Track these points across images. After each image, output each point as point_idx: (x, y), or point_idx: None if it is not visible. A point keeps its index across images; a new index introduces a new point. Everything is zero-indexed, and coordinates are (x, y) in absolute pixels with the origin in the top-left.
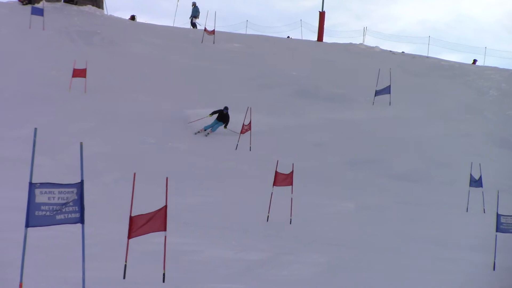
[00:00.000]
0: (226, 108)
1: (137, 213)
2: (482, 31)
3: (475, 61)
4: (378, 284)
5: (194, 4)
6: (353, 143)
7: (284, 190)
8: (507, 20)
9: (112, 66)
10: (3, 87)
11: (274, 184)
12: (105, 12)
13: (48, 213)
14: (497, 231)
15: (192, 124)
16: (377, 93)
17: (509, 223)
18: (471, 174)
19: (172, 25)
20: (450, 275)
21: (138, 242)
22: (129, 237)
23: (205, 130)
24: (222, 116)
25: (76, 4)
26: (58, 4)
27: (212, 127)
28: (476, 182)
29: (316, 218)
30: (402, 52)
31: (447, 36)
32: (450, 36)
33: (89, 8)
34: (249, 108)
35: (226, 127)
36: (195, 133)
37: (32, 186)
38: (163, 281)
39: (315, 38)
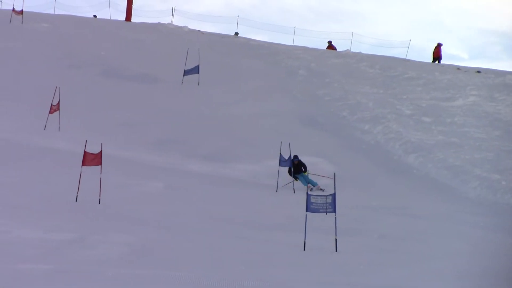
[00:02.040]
0: (295, 157)
1: None
2: (287, 12)
3: (236, 33)
4: (186, 263)
5: None
6: (161, 123)
7: (93, 169)
8: (313, 2)
9: None
10: None
11: (83, 164)
12: None
13: None
14: (307, 211)
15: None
16: (186, 72)
17: (318, 203)
18: (280, 154)
19: None
20: (259, 254)
21: None
22: None
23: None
24: (296, 168)
25: None
26: None
27: (306, 182)
28: (285, 162)
29: (124, 198)
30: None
31: (253, 17)
32: (255, 17)
33: None
34: (57, 88)
35: (305, 172)
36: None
37: None
38: None
39: (124, 18)
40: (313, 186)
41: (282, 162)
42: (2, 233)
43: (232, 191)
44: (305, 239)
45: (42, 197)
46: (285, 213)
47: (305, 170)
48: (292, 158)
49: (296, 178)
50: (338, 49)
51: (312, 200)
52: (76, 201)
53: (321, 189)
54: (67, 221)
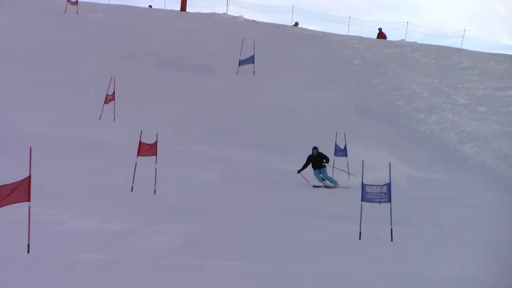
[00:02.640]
0: (314, 148)
1: (0, 183)
2: (340, 2)
3: (296, 23)
4: (242, 253)
5: None
6: (216, 113)
7: (148, 160)
8: None
9: None
10: None
11: (138, 154)
12: None
13: None
14: (362, 200)
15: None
16: (241, 63)
17: (373, 193)
18: (336, 144)
19: None
20: (315, 244)
21: (2, 212)
22: None
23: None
24: (316, 161)
25: None
26: None
27: (321, 178)
28: (341, 152)
29: (180, 188)
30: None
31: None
32: (309, 7)
33: None
34: (112, 78)
35: (327, 163)
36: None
37: None
38: (28, 251)
39: (178, 8)
40: (332, 184)
41: (337, 151)
42: (59, 223)
43: (287, 181)
44: (360, 228)
45: (98, 188)
46: (340, 202)
47: (327, 161)
48: (312, 150)
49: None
50: (392, 39)
51: (368, 189)
52: (131, 191)
53: (337, 186)
54: (123, 212)
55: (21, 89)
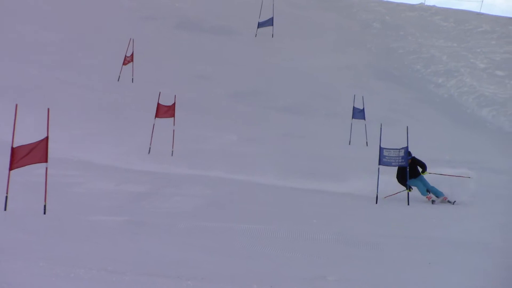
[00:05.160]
0: (408, 154)
1: (18, 144)
2: None
3: None
4: (260, 217)
5: None
6: (236, 75)
7: (166, 122)
8: None
9: None
10: None
11: (156, 115)
12: None
13: None
14: (379, 164)
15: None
16: (260, 25)
17: (391, 156)
18: (354, 106)
19: None
20: (334, 207)
21: (20, 173)
22: (11, 168)
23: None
24: (411, 168)
25: None
26: None
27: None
28: (359, 113)
29: (198, 150)
30: None
31: None
32: None
33: None
34: (131, 40)
35: (424, 172)
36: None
37: None
38: (44, 212)
39: None
40: (437, 197)
41: (356, 113)
42: (77, 184)
43: (307, 143)
44: (377, 192)
45: (116, 149)
46: (358, 165)
47: (424, 170)
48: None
49: (409, 188)
50: (412, 3)
51: (385, 153)
52: (149, 153)
53: (449, 201)
54: (140, 173)
55: (42, 50)
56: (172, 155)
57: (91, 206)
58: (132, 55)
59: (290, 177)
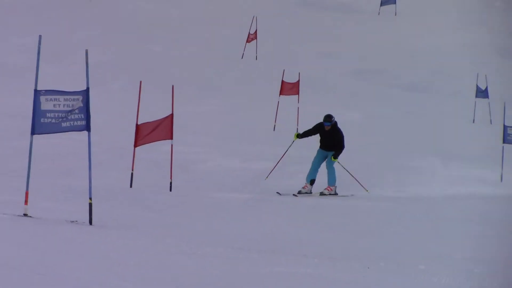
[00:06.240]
0: (327, 117)
1: (143, 121)
2: None
3: None
4: (386, 194)
5: None
6: (358, 53)
7: (291, 99)
8: None
9: None
10: None
11: (281, 93)
12: None
13: (53, 121)
14: (504, 142)
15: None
16: (383, 3)
17: None
18: (477, 85)
19: None
20: (457, 186)
21: (145, 150)
22: (136, 145)
23: (311, 182)
24: (327, 138)
25: None
26: None
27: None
28: (482, 93)
29: None
30: None
31: None
32: None
33: None
34: (254, 17)
35: (336, 158)
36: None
37: (37, 93)
38: (170, 190)
39: None
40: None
41: (478, 93)
42: (202, 161)
43: (430, 122)
44: (502, 171)
45: (240, 126)
46: (481, 144)
47: (335, 156)
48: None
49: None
50: None
51: (509, 131)
52: (274, 130)
53: (322, 193)
54: (265, 151)
55: (165, 27)
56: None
57: (216, 183)
58: (255, 32)
59: (415, 154)
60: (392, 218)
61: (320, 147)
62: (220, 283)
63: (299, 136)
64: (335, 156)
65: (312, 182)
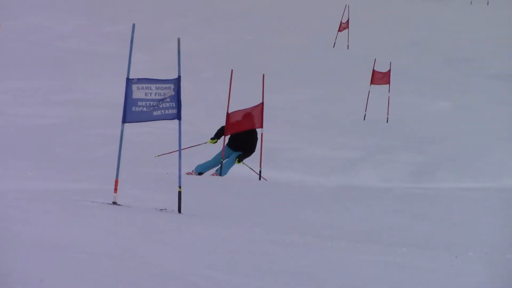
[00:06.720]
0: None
1: (233, 109)
2: None
3: None
4: (475, 182)
5: None
6: (450, 42)
7: (381, 88)
8: None
9: None
10: None
11: (371, 82)
12: None
13: (145, 109)
14: None
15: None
16: None
17: None
18: None
19: None
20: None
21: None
22: (226, 134)
23: (198, 174)
24: (241, 137)
25: None
26: None
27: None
28: None
29: (413, 117)
30: None
31: None
32: None
33: None
34: (346, 6)
35: (240, 161)
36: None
37: (129, 81)
38: (259, 178)
39: None
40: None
41: None
42: (291, 150)
43: None
44: None
45: (330, 115)
46: None
47: (240, 159)
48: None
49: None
50: None
51: None
52: (364, 119)
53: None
54: (355, 139)
55: (256, 16)
56: (387, 121)
57: (304, 171)
58: (347, 21)
59: (508, 144)
60: (480, 208)
61: (228, 145)
62: (307, 272)
63: (214, 140)
64: (241, 159)
65: (200, 174)
